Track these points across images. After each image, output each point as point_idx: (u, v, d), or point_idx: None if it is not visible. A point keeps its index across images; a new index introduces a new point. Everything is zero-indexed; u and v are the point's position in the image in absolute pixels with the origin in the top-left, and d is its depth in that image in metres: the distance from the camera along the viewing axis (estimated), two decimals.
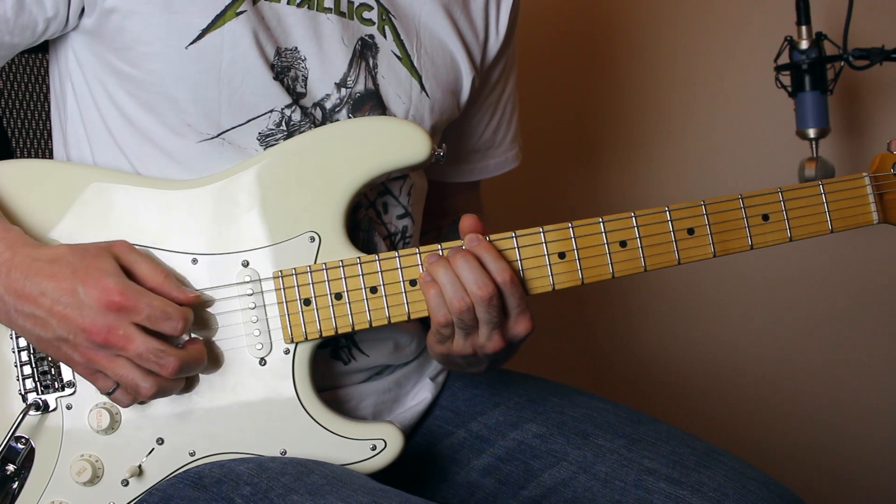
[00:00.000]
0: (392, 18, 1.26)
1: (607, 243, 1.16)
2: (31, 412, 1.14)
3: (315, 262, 1.16)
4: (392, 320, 1.15)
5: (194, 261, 1.16)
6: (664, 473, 1.19)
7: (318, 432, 1.16)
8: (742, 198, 1.18)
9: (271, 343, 1.16)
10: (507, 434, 1.31)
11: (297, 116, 1.20)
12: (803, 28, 1.84)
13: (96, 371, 1.09)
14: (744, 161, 2.18)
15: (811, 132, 1.85)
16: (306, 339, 1.15)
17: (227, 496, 1.10)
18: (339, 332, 1.15)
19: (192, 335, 1.14)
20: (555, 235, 1.16)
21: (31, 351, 1.15)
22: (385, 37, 1.26)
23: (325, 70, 1.21)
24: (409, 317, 1.15)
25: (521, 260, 1.15)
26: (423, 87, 1.27)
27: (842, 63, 1.83)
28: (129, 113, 1.19)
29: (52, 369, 1.15)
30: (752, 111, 2.16)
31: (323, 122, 1.22)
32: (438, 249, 1.15)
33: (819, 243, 1.42)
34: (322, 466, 1.13)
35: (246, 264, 1.16)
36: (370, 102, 1.24)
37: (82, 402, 1.15)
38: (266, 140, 1.19)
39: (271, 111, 1.19)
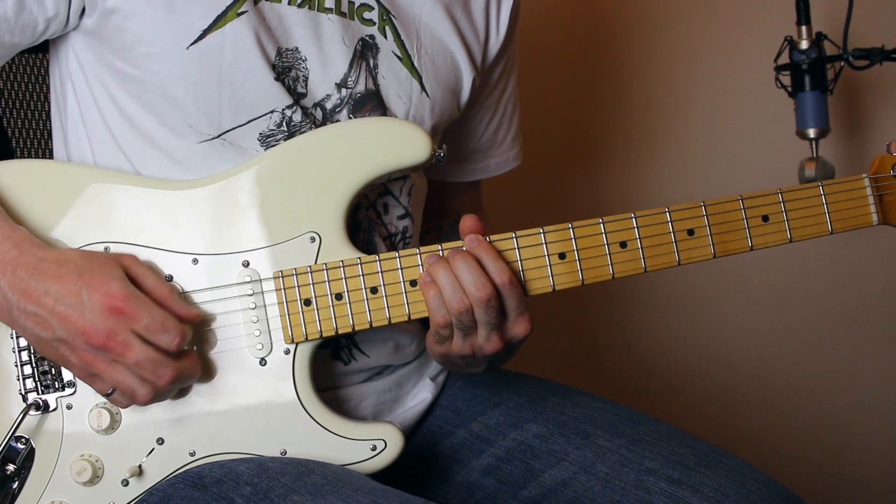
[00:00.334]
0: (392, 19, 1.26)
1: (607, 244, 1.16)
2: (32, 412, 1.14)
3: (315, 263, 1.16)
4: (392, 321, 1.15)
5: (195, 261, 1.16)
6: (664, 473, 1.19)
7: (319, 432, 1.16)
8: (742, 199, 1.19)
9: (271, 343, 1.16)
10: (508, 434, 1.31)
11: (297, 117, 1.20)
12: (803, 28, 1.84)
13: (93, 374, 1.09)
14: (744, 161, 2.18)
15: (811, 132, 1.85)
16: (306, 340, 1.15)
17: (227, 496, 1.10)
18: (340, 332, 1.15)
19: (191, 343, 1.14)
20: (555, 236, 1.16)
21: (32, 351, 1.15)
22: (385, 37, 1.26)
23: (326, 70, 1.21)
24: (409, 317, 1.15)
25: (521, 260, 1.15)
26: (423, 88, 1.28)
27: (842, 63, 1.83)
28: (130, 113, 1.19)
29: (53, 369, 1.15)
30: (752, 111, 2.16)
31: (323, 123, 1.22)
32: (439, 250, 1.15)
33: (819, 244, 1.42)
34: (322, 467, 1.13)
35: (246, 264, 1.16)
36: (371, 103, 1.24)
37: (82, 402, 1.15)
38: (267, 140, 1.19)
39: (272, 112, 1.19)
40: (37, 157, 1.57)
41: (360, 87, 1.23)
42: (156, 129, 1.19)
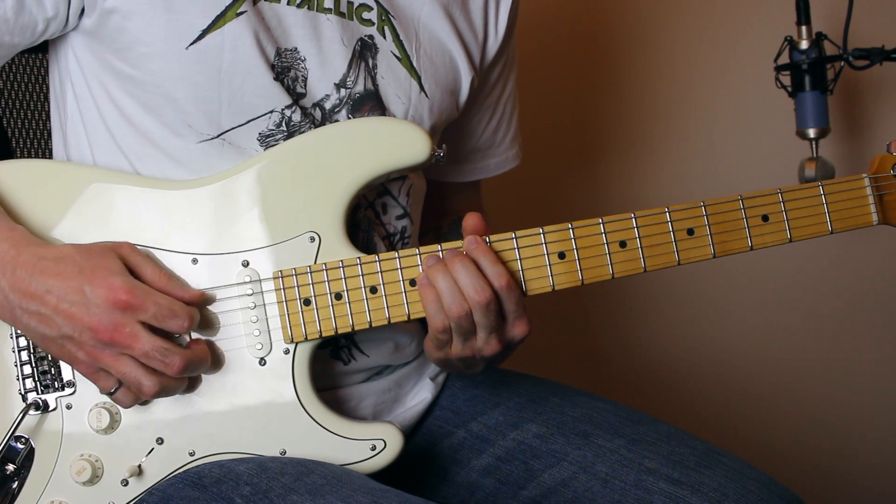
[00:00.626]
0: (391, 19, 1.26)
1: (607, 244, 1.16)
2: (31, 412, 1.14)
3: (315, 262, 1.16)
4: (392, 320, 1.15)
5: (194, 261, 1.16)
6: (664, 473, 1.19)
7: (318, 432, 1.16)
8: (742, 198, 1.18)
9: (271, 343, 1.16)
10: (508, 434, 1.31)
11: (297, 117, 1.20)
12: (803, 28, 1.84)
13: (99, 370, 1.09)
14: (744, 161, 2.18)
15: (811, 132, 1.85)
16: (306, 339, 1.15)
17: (226, 496, 1.10)
18: (339, 332, 1.15)
19: (195, 336, 1.14)
20: (555, 236, 1.16)
21: (32, 351, 1.15)
22: (384, 37, 1.26)
23: (325, 70, 1.21)
24: (408, 317, 1.15)
25: (520, 260, 1.15)
26: (422, 88, 1.28)
27: (842, 63, 1.83)
28: (130, 113, 1.19)
29: (52, 369, 1.15)
30: (752, 111, 2.16)
31: (323, 123, 1.22)
32: (438, 250, 1.15)
33: (819, 244, 1.42)
34: (322, 466, 1.13)
35: (246, 264, 1.16)
36: (370, 103, 1.24)
37: (82, 401, 1.15)
38: (266, 140, 1.19)
39: (271, 112, 1.19)
40: (36, 157, 1.57)
41: (359, 88, 1.24)
42: (155, 129, 1.19)
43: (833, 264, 2.18)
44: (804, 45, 1.83)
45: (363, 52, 1.24)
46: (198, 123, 1.17)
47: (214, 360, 1.15)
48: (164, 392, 1.10)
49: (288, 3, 1.20)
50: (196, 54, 1.14)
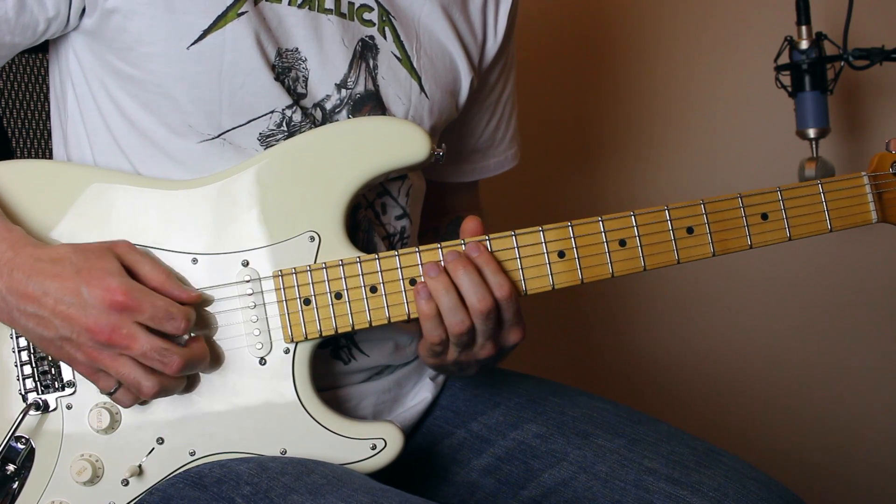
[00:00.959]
0: (392, 20, 1.27)
1: (607, 242, 1.16)
2: (32, 412, 1.14)
3: (315, 262, 1.16)
4: (392, 320, 1.15)
5: (194, 261, 1.16)
6: (664, 473, 1.19)
7: (318, 432, 1.16)
8: (741, 197, 1.19)
9: (271, 343, 1.16)
10: (508, 434, 1.31)
11: (297, 117, 1.20)
12: (803, 28, 1.84)
13: (98, 370, 1.09)
14: (743, 161, 2.18)
15: (811, 132, 1.85)
16: (306, 339, 1.15)
17: (227, 496, 1.10)
18: (339, 331, 1.15)
19: (193, 334, 1.14)
20: (554, 235, 1.16)
21: (32, 351, 1.15)
22: (385, 38, 1.26)
23: (326, 71, 1.21)
24: (408, 317, 1.15)
25: (520, 259, 1.15)
26: (422, 88, 1.28)
27: (842, 63, 1.83)
28: (130, 113, 1.19)
29: (52, 369, 1.15)
30: (752, 111, 2.16)
31: (323, 123, 1.22)
32: (438, 249, 1.15)
33: (818, 242, 1.42)
34: (322, 466, 1.13)
35: (246, 264, 1.16)
36: (370, 103, 1.24)
37: (82, 401, 1.15)
38: (266, 140, 1.19)
39: (272, 112, 1.19)
40: (37, 157, 1.57)
41: (360, 88, 1.24)
42: (155, 129, 1.19)
43: (832, 263, 2.18)
44: (804, 45, 1.83)
45: (364, 53, 1.24)
46: (198, 123, 1.17)
47: (214, 357, 1.15)
48: (163, 392, 1.10)
49: (289, 4, 1.20)
50: (197, 54, 1.15)
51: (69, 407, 1.15)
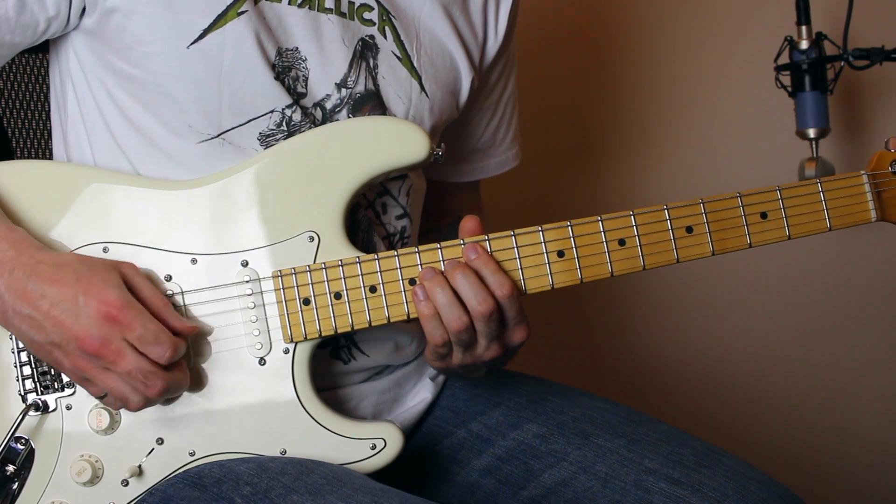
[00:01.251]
0: (392, 19, 1.27)
1: (606, 242, 1.16)
2: (31, 413, 1.14)
3: (314, 262, 1.16)
4: (391, 320, 1.15)
5: (193, 261, 1.16)
6: (664, 473, 1.19)
7: (318, 432, 1.16)
8: (741, 196, 1.18)
9: (271, 343, 1.16)
10: (508, 434, 1.31)
11: (297, 117, 1.20)
12: (803, 28, 1.84)
13: (85, 379, 1.09)
14: (743, 161, 2.18)
15: (811, 132, 1.85)
16: (306, 339, 1.15)
17: (227, 496, 1.10)
18: (339, 331, 1.15)
19: (188, 352, 1.14)
20: (554, 234, 1.16)
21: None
22: (385, 37, 1.26)
23: (326, 70, 1.21)
24: (408, 317, 1.15)
25: (519, 259, 1.15)
26: (422, 88, 1.28)
27: (842, 63, 1.83)
28: (130, 113, 1.19)
29: (52, 370, 1.15)
30: (752, 111, 2.16)
31: (323, 123, 1.22)
32: (438, 249, 1.15)
33: (817, 241, 1.42)
34: (322, 466, 1.13)
35: (245, 264, 1.16)
36: (370, 103, 1.24)
37: (82, 402, 1.15)
38: (266, 140, 1.19)
39: (272, 111, 1.19)
40: (37, 157, 1.57)
41: (360, 87, 1.24)
42: (155, 129, 1.19)
43: (832, 261, 2.18)
44: (804, 45, 1.83)
45: (364, 52, 1.24)
46: (198, 123, 1.17)
47: (206, 369, 1.15)
48: (149, 405, 1.11)
49: (289, 3, 1.20)
50: (197, 54, 1.15)
51: (69, 407, 1.15)
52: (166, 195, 1.17)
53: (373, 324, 1.15)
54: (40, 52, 1.54)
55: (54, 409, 1.15)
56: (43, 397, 1.15)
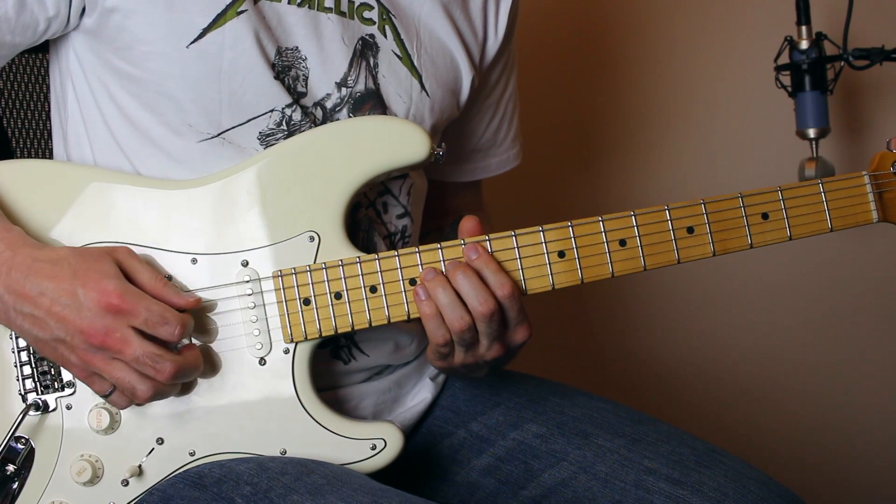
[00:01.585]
0: (392, 18, 1.26)
1: (607, 242, 1.16)
2: (31, 412, 1.14)
3: (315, 262, 1.16)
4: (392, 320, 1.15)
5: (194, 261, 1.16)
6: (664, 473, 1.19)
7: (318, 432, 1.16)
8: (742, 196, 1.18)
9: (271, 343, 1.16)
10: (508, 434, 1.31)
11: (297, 116, 1.20)
12: (803, 28, 1.84)
13: (93, 373, 1.09)
14: (744, 161, 2.18)
15: (811, 132, 1.85)
16: (306, 339, 1.15)
17: (227, 496, 1.10)
18: (339, 331, 1.15)
19: (191, 339, 1.14)
20: (554, 234, 1.16)
21: (31, 351, 1.15)
22: (385, 36, 1.26)
23: (326, 69, 1.21)
24: (408, 317, 1.15)
25: (520, 259, 1.15)
26: (423, 87, 1.28)
27: (842, 63, 1.83)
28: (130, 112, 1.19)
29: (52, 369, 1.15)
30: (752, 111, 2.16)
31: (323, 122, 1.22)
32: (438, 249, 1.15)
33: (819, 242, 1.42)
34: (322, 466, 1.13)
35: (245, 264, 1.16)
36: (371, 102, 1.24)
37: (82, 402, 1.15)
38: (266, 140, 1.19)
39: (272, 111, 1.19)
40: (37, 157, 1.57)
41: (360, 87, 1.24)
42: (155, 129, 1.19)
43: (833, 262, 2.18)
44: (804, 45, 1.83)
45: (364, 52, 1.24)
46: (198, 122, 1.17)
47: (212, 360, 1.15)
48: (158, 396, 1.10)
49: (289, 3, 1.20)
50: (197, 53, 1.15)
51: (69, 407, 1.15)
52: (166, 195, 1.17)
53: (373, 324, 1.15)
54: (40, 52, 1.54)
55: (54, 409, 1.15)
56: (43, 397, 1.15)
